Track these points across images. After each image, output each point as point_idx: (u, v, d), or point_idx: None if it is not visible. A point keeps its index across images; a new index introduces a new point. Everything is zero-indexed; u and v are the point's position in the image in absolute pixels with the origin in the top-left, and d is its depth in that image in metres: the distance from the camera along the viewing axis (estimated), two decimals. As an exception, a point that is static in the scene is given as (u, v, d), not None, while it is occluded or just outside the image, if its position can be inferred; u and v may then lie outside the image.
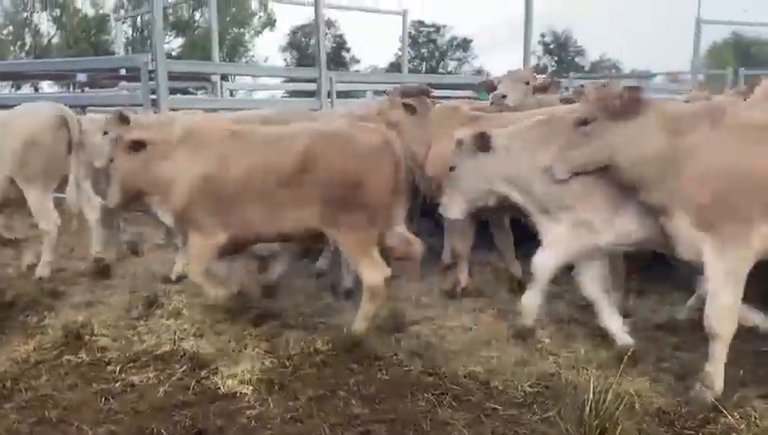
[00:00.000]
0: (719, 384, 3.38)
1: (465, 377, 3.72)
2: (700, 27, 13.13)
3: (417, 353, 4.03)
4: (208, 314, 4.61)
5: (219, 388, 3.61)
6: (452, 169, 4.31)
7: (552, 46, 45.73)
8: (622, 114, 3.60)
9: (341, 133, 4.23)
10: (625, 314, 4.39)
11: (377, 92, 12.31)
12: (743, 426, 3.12)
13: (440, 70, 43.58)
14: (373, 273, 4.15)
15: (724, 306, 3.34)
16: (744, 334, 4.29)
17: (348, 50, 42.43)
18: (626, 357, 3.55)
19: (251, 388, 3.59)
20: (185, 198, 4.27)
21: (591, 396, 3.02)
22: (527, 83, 6.19)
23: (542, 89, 6.17)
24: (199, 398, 3.52)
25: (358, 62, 43.08)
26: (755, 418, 3.20)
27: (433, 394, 3.52)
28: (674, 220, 3.45)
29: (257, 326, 4.47)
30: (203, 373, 3.79)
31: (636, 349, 3.85)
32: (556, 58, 45.42)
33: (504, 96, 5.97)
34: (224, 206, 4.23)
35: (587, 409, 2.99)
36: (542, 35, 44.23)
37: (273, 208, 4.16)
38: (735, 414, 3.23)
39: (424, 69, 42.08)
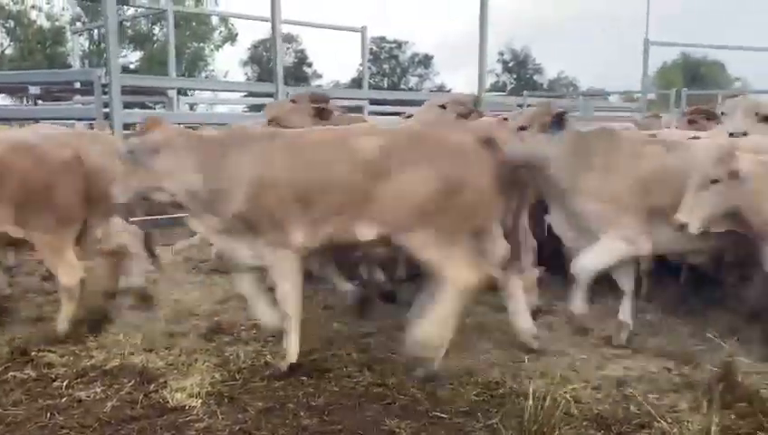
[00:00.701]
0: None
1: (412, 387, 3.79)
2: (649, 48, 13.62)
3: (367, 365, 4.09)
4: (159, 329, 4.61)
5: (168, 402, 3.60)
6: None
7: (510, 64, 46.61)
8: None
9: (31, 145, 4.44)
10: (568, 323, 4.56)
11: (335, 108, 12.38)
12: (675, 430, 3.26)
13: (402, 86, 44.02)
14: (68, 275, 4.39)
15: None
16: (672, 341, 4.54)
17: (309, 65, 42.56)
18: (566, 365, 3.68)
19: (200, 401, 3.60)
20: None
21: (531, 403, 3.13)
22: (443, 107, 6.11)
23: (464, 116, 5.93)
24: (147, 412, 3.51)
25: (320, 77, 43.23)
26: (687, 422, 3.35)
27: (381, 404, 3.59)
28: None
29: (209, 340, 4.49)
30: (151, 387, 3.78)
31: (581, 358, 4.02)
32: (515, 76, 46.29)
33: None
34: None
35: (526, 415, 3.10)
36: (501, 53, 45.14)
37: None
38: (668, 419, 3.37)
39: (386, 84, 42.45)
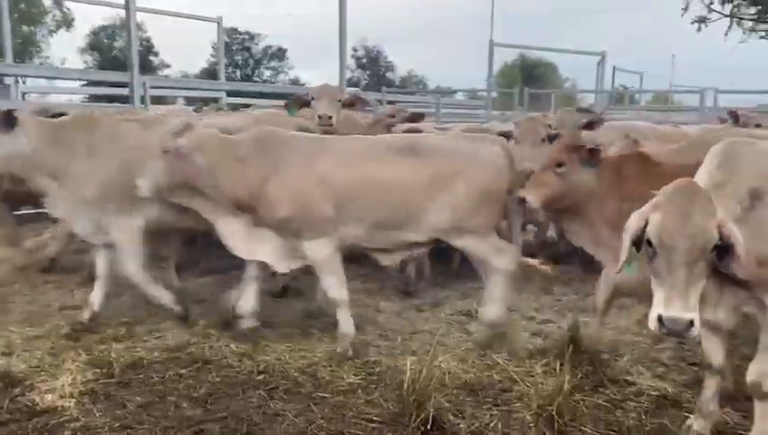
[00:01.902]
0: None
1: (294, 372, 3.91)
2: (493, 49, 14.61)
3: (247, 355, 4.14)
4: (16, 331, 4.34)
5: (37, 404, 3.43)
6: None
7: (364, 61, 47.42)
8: None
9: None
10: (435, 304, 4.92)
11: (188, 99, 12.01)
12: (532, 391, 3.65)
13: (255, 78, 43.22)
14: None
15: None
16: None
17: (156, 54, 40.42)
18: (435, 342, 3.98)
19: (73, 401, 3.47)
20: None
21: (408, 376, 3.37)
22: (339, 100, 5.97)
23: (350, 105, 6.15)
24: (15, 416, 3.33)
25: (168, 66, 41.24)
26: (541, 383, 3.76)
27: (264, 390, 3.67)
28: None
29: (75, 340, 4.30)
30: (16, 391, 3.58)
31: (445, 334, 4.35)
32: (368, 72, 47.19)
33: (330, 117, 5.61)
34: None
35: (405, 387, 3.34)
36: (355, 49, 45.74)
37: None
38: (527, 382, 3.77)
39: (239, 76, 41.47)
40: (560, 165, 4.08)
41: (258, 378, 3.83)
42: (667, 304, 2.54)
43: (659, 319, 2.55)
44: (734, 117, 5.72)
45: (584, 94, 21.82)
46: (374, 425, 3.31)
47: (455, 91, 25.86)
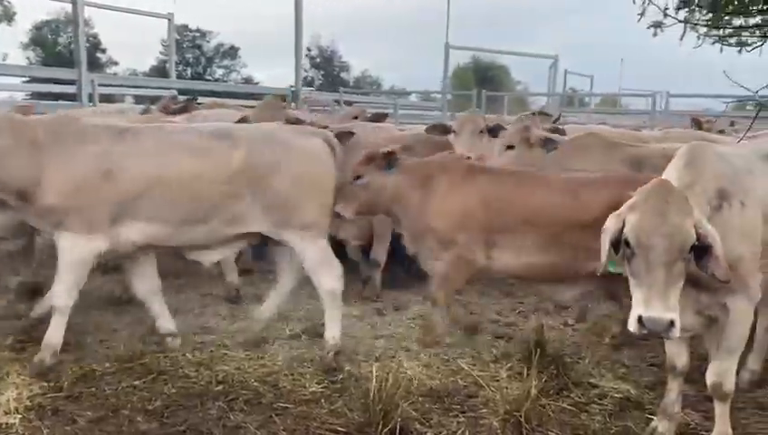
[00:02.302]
0: None
1: (255, 381, 3.78)
2: (449, 52, 14.67)
3: (204, 365, 3.99)
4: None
5: (-22, 422, 3.22)
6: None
7: (318, 60, 47.09)
8: None
9: None
10: (397, 307, 4.95)
11: (137, 97, 11.65)
12: (497, 396, 3.62)
13: (207, 77, 42.43)
14: None
15: None
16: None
17: (104, 51, 39.24)
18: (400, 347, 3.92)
19: (19, 417, 3.27)
20: None
21: (375, 384, 3.29)
22: None
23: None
24: (-46, 436, 3.11)
25: (116, 64, 40.06)
26: (506, 388, 3.73)
27: (224, 401, 3.54)
28: None
29: (19, 352, 4.06)
30: (-45, 409, 3.35)
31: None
32: (323, 72, 46.90)
33: None
34: None
35: (371, 396, 3.26)
36: (309, 49, 45.41)
37: None
38: (492, 387, 3.74)
39: (189, 75, 40.60)
40: (358, 177, 4.32)
41: (217, 389, 3.69)
42: (646, 305, 2.54)
43: (639, 319, 2.55)
44: (697, 124, 5.82)
45: (536, 97, 22.27)
46: (339, 436, 3.22)
47: (409, 93, 25.93)
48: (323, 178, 4.19)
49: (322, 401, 3.60)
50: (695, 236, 2.56)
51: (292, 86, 11.43)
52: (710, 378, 3.08)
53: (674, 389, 3.26)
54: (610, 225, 2.75)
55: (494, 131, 5.69)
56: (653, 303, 2.53)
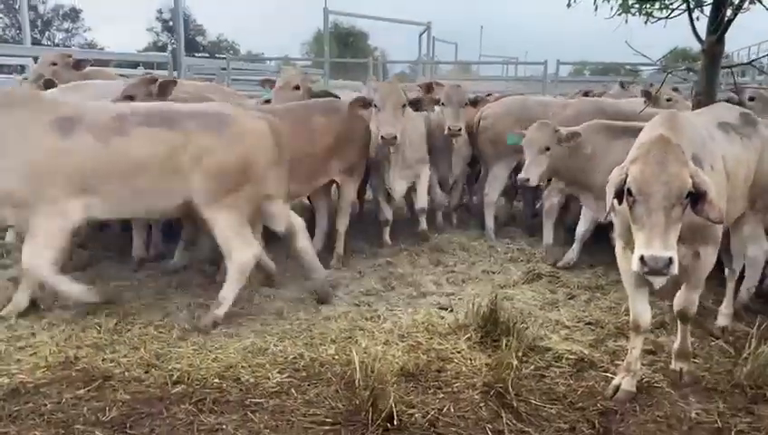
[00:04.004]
0: None
1: (214, 377, 3.52)
2: (328, 17, 14.34)
3: (150, 364, 3.65)
4: None
5: None
6: None
7: (170, 24, 44.31)
8: None
9: None
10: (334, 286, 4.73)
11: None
12: (464, 368, 3.65)
13: (45, 42, 38.54)
14: None
15: None
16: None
17: None
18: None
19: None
20: None
21: (358, 368, 3.18)
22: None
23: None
24: None
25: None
26: (470, 359, 3.77)
27: (189, 404, 3.26)
28: None
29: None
30: None
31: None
32: (175, 36, 44.33)
33: None
34: None
35: (357, 382, 3.15)
36: (160, 11, 42.61)
37: None
38: (456, 360, 3.77)
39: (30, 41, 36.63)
40: None
41: (176, 390, 3.38)
42: (648, 245, 2.75)
43: (641, 259, 2.75)
44: (647, 95, 6.05)
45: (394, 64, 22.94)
46: (327, 427, 3.08)
47: (266, 59, 25.22)
48: (251, 158, 4.30)
49: (292, 390, 3.42)
50: (690, 182, 2.78)
51: (168, 53, 10.59)
52: (678, 305, 3.51)
53: (637, 346, 3.46)
54: (614, 177, 2.97)
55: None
56: (654, 243, 2.74)
